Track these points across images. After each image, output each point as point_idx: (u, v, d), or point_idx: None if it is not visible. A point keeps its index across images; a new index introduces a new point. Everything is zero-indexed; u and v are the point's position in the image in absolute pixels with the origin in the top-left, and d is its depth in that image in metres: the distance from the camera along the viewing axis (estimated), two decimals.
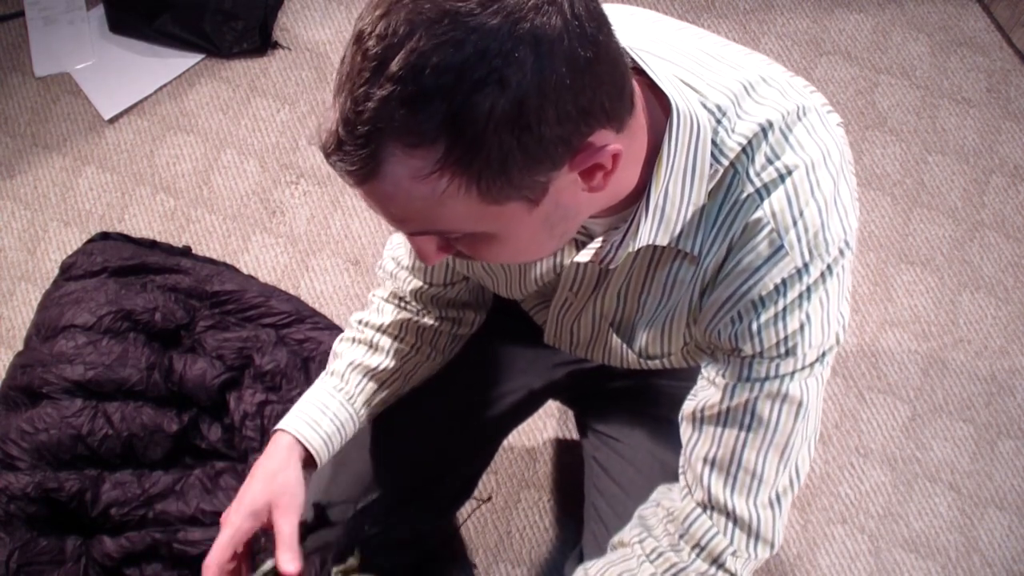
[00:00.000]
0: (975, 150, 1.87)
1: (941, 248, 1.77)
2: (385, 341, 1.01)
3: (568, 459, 1.55)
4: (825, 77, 1.93)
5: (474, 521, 1.51)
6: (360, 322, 1.03)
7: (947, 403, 1.64)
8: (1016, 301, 1.73)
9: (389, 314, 1.01)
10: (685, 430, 0.84)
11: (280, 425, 0.94)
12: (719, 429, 0.79)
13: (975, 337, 1.70)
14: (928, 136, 1.88)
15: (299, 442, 0.92)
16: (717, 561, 0.81)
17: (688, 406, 0.83)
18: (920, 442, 1.61)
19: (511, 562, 1.48)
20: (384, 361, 1.00)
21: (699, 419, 0.81)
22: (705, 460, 0.81)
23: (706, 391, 0.81)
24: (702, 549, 0.81)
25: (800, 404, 0.78)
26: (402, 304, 1.02)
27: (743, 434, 0.78)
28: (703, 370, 0.83)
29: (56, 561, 1.28)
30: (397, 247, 1.01)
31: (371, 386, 1.00)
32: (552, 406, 1.57)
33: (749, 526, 0.80)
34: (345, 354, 1.01)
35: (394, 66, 0.54)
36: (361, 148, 0.57)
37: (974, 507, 1.56)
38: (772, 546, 0.82)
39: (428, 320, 1.01)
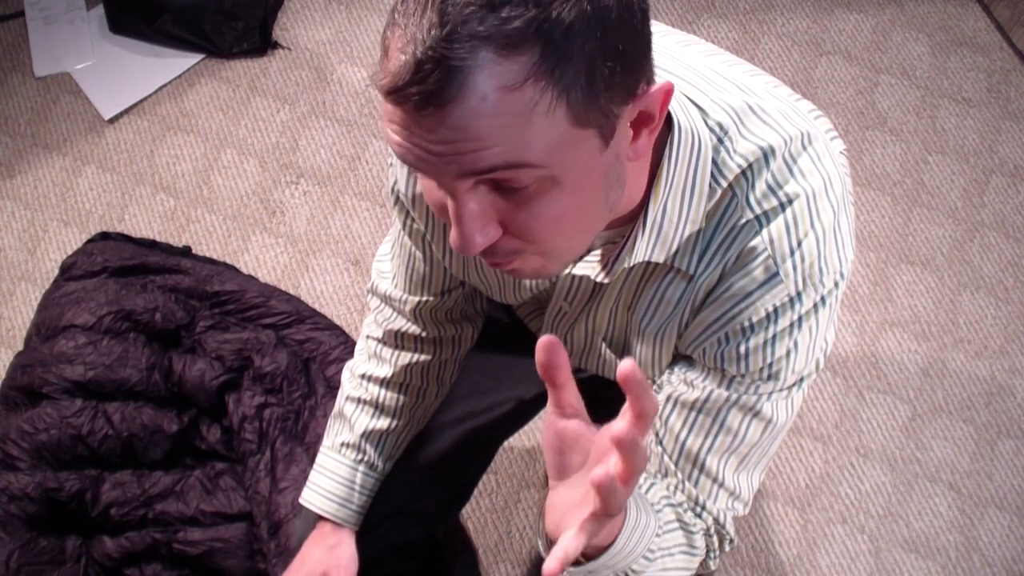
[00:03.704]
0: (975, 150, 1.87)
1: (941, 248, 1.77)
2: (391, 398, 1.02)
3: None
4: (825, 77, 1.93)
5: (474, 521, 1.51)
6: (363, 377, 1.03)
7: (947, 403, 1.64)
8: (1016, 301, 1.73)
9: (389, 362, 1.02)
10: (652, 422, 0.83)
11: (315, 507, 1.01)
12: (686, 430, 0.80)
13: (975, 337, 1.70)
14: (928, 136, 1.88)
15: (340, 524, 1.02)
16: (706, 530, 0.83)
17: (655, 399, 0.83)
18: (920, 442, 1.61)
19: (511, 562, 1.48)
20: (394, 421, 1.02)
21: (667, 415, 0.81)
22: (669, 455, 0.81)
23: (677, 387, 0.81)
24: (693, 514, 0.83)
25: (770, 423, 0.79)
26: (399, 343, 1.02)
27: (709, 440, 0.79)
28: (677, 369, 0.82)
29: (56, 561, 1.28)
30: (386, 259, 1.00)
31: (388, 446, 1.03)
32: None
33: (716, 520, 0.82)
34: (356, 422, 1.02)
35: None
36: (446, 60, 0.53)
37: (974, 507, 1.56)
38: (731, 541, 0.84)
39: (427, 355, 1.01)
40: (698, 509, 0.81)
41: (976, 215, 1.81)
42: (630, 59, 0.58)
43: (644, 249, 0.72)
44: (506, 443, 1.25)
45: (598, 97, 0.57)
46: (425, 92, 0.54)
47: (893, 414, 1.63)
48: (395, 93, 0.55)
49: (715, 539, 0.82)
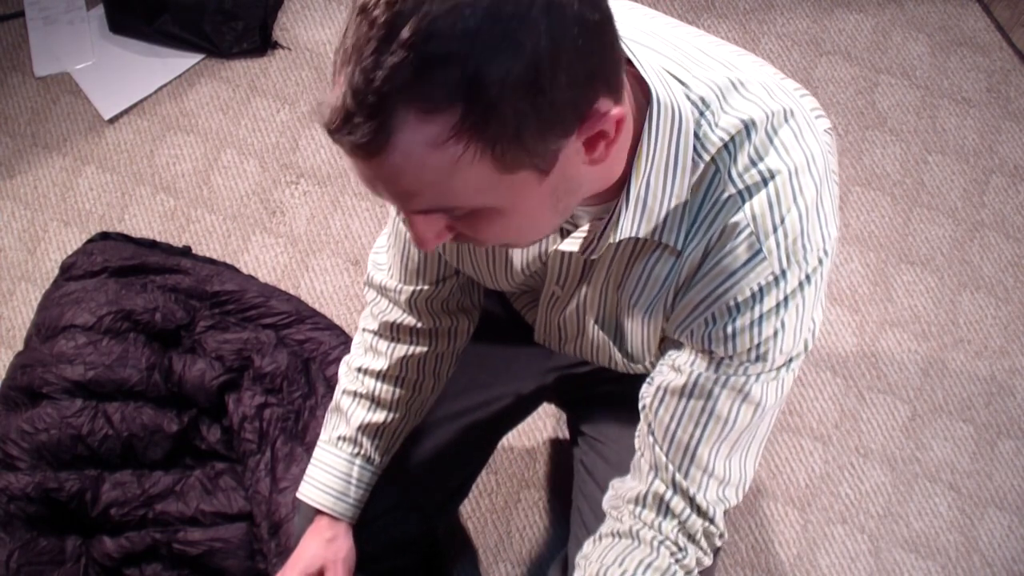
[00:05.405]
0: (975, 150, 1.87)
1: (941, 248, 1.77)
2: (387, 391, 1.01)
3: (568, 459, 1.55)
4: (825, 77, 1.93)
5: (474, 521, 1.51)
6: (360, 370, 1.03)
7: (947, 403, 1.64)
8: (1016, 301, 1.73)
9: (384, 354, 1.01)
10: (644, 413, 0.84)
11: (312, 501, 1.01)
12: (675, 420, 0.80)
13: (975, 337, 1.70)
14: (928, 136, 1.88)
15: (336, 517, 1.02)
16: (694, 539, 0.83)
17: (647, 390, 0.83)
18: (920, 442, 1.61)
19: (511, 562, 1.48)
20: (390, 415, 1.02)
21: (657, 405, 0.81)
22: (660, 446, 0.82)
23: (667, 375, 0.81)
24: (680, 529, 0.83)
25: (759, 405, 0.78)
26: (395, 335, 1.01)
27: (699, 429, 0.79)
28: (667, 356, 0.82)
29: (56, 561, 1.28)
30: (382, 251, 1.00)
31: (385, 440, 1.03)
32: (552, 407, 1.57)
33: (705, 514, 0.82)
34: (352, 416, 1.02)
35: (405, 32, 0.53)
36: (372, 117, 0.55)
37: (974, 507, 1.56)
38: (722, 535, 0.84)
39: (423, 347, 1.01)
40: (686, 513, 0.81)
41: (976, 215, 1.81)
42: (566, 102, 0.58)
43: (630, 224, 0.72)
44: (506, 443, 1.25)
45: (527, 144, 0.58)
46: (354, 143, 0.57)
47: (893, 414, 1.63)
48: (330, 135, 0.58)
49: (703, 541, 0.82)
